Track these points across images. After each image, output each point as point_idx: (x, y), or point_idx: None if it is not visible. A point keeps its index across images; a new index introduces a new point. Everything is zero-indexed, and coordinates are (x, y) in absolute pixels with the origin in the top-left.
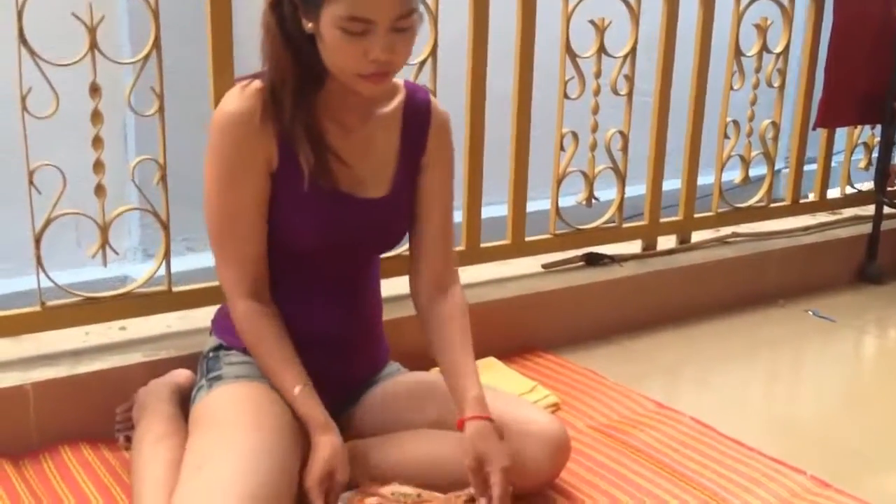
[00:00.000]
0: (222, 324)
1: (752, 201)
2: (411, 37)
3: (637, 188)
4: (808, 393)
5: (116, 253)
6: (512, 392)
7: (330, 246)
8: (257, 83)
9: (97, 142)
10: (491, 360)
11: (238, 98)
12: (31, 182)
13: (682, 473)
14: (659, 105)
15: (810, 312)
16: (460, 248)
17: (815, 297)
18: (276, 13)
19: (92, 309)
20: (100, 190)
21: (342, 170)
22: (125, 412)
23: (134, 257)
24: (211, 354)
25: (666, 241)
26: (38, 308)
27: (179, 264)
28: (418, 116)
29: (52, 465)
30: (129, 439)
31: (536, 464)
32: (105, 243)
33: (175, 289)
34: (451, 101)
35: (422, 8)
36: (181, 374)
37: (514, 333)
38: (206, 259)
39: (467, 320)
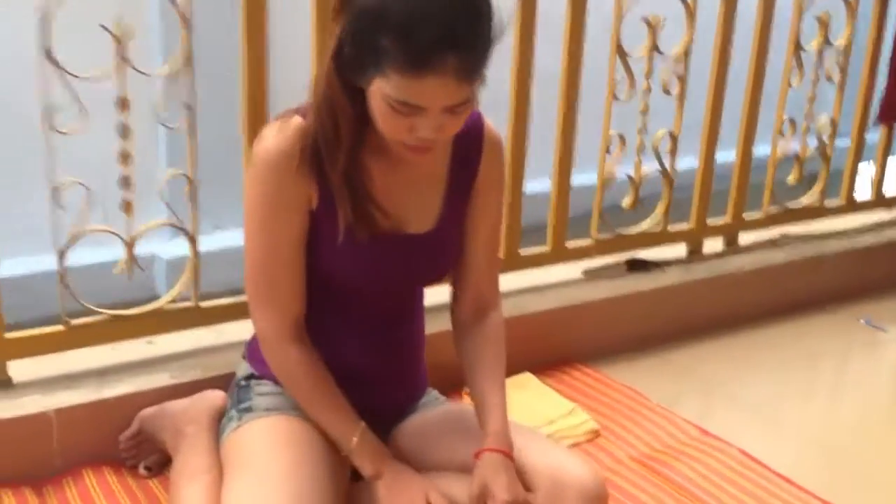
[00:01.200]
0: (254, 351)
1: (805, 199)
2: (465, 114)
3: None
4: (857, 417)
5: (142, 269)
6: (550, 414)
7: (371, 285)
8: (297, 120)
9: (125, 157)
10: (527, 377)
11: (277, 136)
12: (54, 199)
13: None
14: (713, 103)
15: (862, 321)
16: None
17: (868, 302)
18: (337, 62)
19: (117, 326)
20: (127, 207)
21: (387, 210)
22: (130, 439)
23: (162, 233)
24: (242, 383)
25: (712, 244)
26: (61, 328)
27: (207, 243)
28: (470, 142)
29: (75, 491)
30: (149, 469)
31: None
32: (131, 260)
33: (203, 304)
34: (492, 100)
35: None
36: (218, 397)
37: (551, 345)
38: (232, 238)
39: (503, 348)
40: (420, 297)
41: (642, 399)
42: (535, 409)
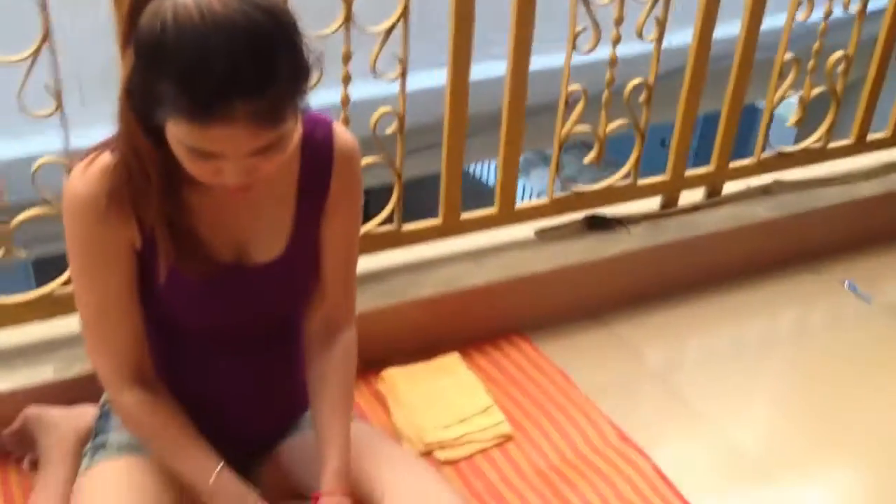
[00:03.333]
0: None
1: (806, 143)
2: (283, 152)
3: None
4: (813, 424)
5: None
6: (464, 411)
7: (219, 324)
8: (104, 158)
9: None
10: (452, 360)
11: (81, 180)
12: None
13: None
14: (699, 42)
15: (846, 285)
16: (436, 221)
17: (861, 260)
18: (129, 98)
19: None
20: None
21: (223, 241)
22: (12, 435)
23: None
24: (105, 407)
25: (690, 194)
26: None
27: None
28: (319, 156)
29: None
30: (34, 463)
31: None
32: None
33: None
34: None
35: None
36: (88, 417)
37: (492, 316)
38: None
39: (352, 373)
40: (296, 316)
41: (570, 388)
42: (451, 403)
